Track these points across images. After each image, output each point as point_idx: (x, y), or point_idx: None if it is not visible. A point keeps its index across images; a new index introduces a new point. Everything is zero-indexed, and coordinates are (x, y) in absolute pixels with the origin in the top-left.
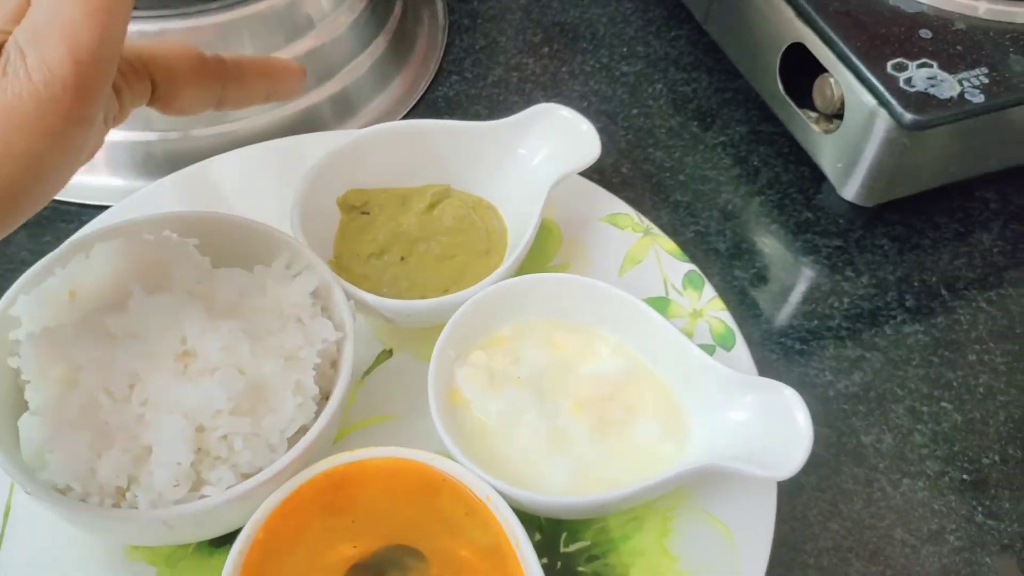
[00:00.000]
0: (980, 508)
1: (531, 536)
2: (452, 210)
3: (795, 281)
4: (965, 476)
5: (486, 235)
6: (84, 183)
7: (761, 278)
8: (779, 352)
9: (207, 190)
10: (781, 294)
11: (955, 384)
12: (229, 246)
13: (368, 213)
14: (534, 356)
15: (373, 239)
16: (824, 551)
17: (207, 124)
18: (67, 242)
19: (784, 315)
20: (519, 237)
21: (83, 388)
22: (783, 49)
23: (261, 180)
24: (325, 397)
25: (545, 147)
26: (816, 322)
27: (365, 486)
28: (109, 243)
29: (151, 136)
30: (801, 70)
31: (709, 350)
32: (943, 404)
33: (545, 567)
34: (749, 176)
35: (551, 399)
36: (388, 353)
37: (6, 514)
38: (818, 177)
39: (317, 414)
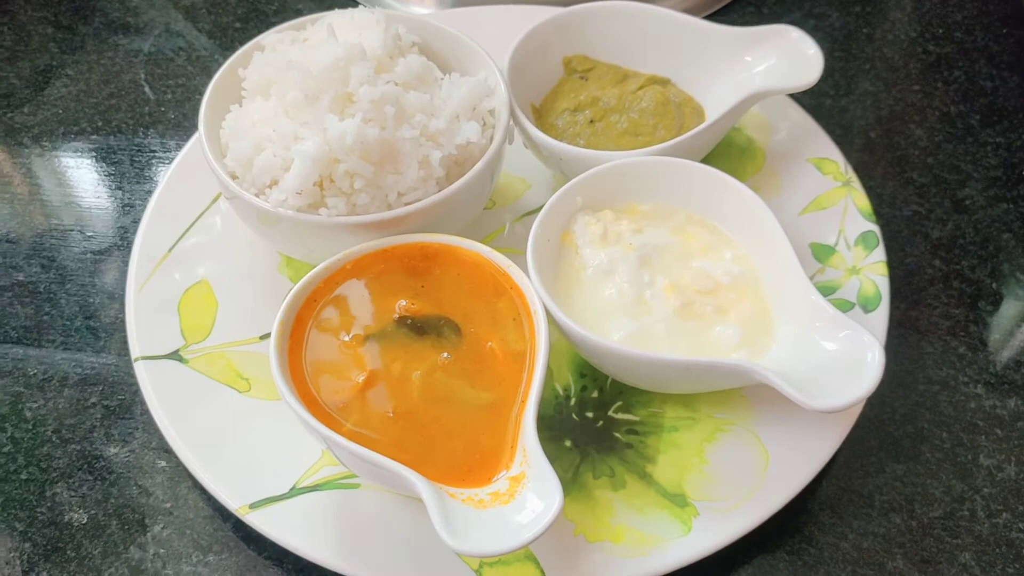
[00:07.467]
0: None
1: (590, 391)
2: (655, 95)
3: (999, 292)
4: None
5: (678, 128)
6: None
7: (961, 276)
8: (938, 345)
9: (472, 27)
10: (973, 297)
11: None
12: (445, 52)
13: (586, 79)
14: (657, 235)
15: (575, 97)
16: (870, 535)
17: None
18: (319, 14)
19: (965, 315)
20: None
21: (270, 101)
22: None
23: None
24: None
25: (770, 60)
26: (996, 335)
27: (446, 266)
28: (344, 16)
29: None
30: None
31: (846, 306)
32: None
33: (588, 421)
34: (1009, 182)
35: (650, 272)
36: None
37: (213, 201)
38: None
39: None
